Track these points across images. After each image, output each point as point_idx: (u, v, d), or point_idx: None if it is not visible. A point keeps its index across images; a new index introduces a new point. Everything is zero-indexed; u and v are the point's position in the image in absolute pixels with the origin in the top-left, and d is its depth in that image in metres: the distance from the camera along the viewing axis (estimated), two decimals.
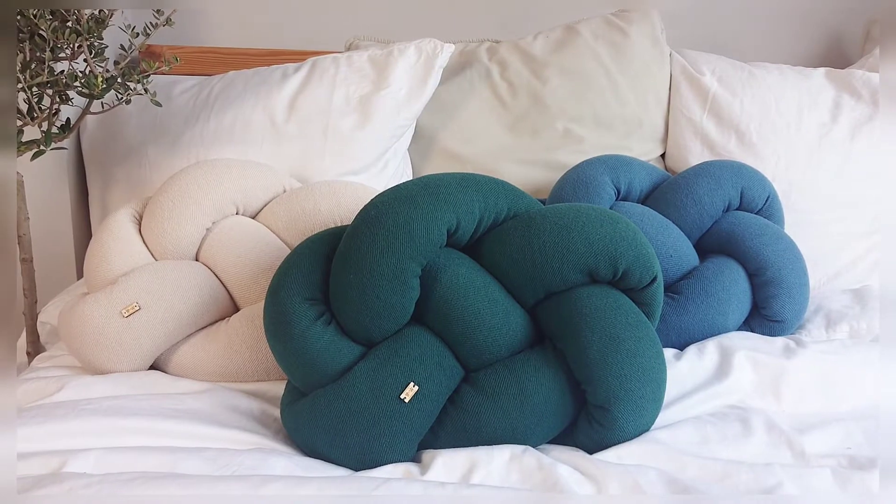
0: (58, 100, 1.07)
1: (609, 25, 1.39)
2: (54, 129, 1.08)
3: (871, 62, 1.44)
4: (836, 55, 1.68)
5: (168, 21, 1.06)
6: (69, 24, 1.00)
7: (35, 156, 1.05)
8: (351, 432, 0.80)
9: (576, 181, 1.16)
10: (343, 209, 1.07)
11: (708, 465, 0.80)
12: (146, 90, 1.06)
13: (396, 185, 0.88)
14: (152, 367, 0.99)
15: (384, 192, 0.88)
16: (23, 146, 1.04)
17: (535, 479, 0.77)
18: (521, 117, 1.35)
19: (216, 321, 1.01)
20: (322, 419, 0.82)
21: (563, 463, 0.78)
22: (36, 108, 1.01)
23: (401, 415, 0.80)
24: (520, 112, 1.35)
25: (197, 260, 1.04)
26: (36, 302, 1.16)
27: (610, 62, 1.35)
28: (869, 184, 1.28)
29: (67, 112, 1.13)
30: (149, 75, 1.08)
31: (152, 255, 1.03)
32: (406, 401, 0.80)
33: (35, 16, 0.96)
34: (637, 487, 0.74)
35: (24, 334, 1.19)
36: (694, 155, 1.33)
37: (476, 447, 0.81)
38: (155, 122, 1.25)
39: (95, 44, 1.04)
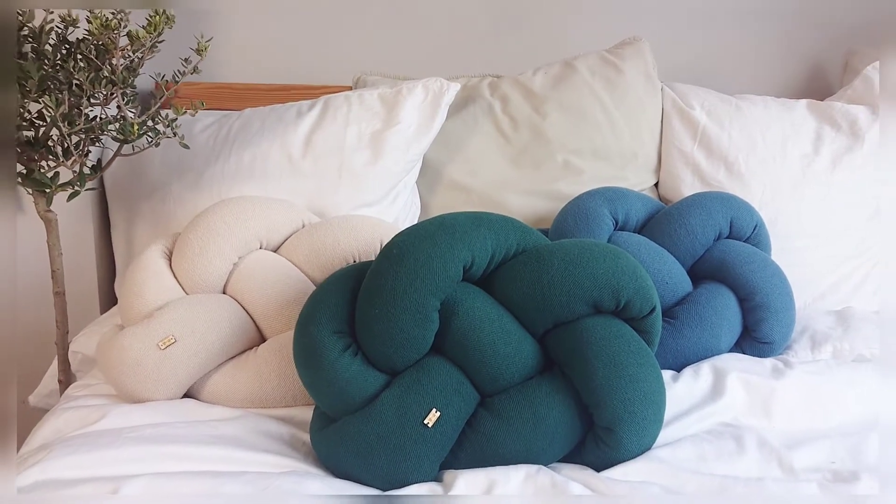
0: (89, 142, 1.14)
1: (604, 62, 1.47)
2: (85, 170, 1.15)
3: (850, 94, 1.52)
4: (819, 84, 1.77)
5: (195, 69, 1.13)
6: (103, 73, 1.07)
7: (71, 196, 1.12)
8: (378, 455, 0.87)
9: (577, 213, 1.24)
10: (361, 242, 1.14)
11: (705, 481, 0.87)
12: (175, 133, 1.13)
13: (415, 225, 0.96)
14: (186, 395, 1.05)
15: (404, 231, 0.95)
16: (58, 188, 1.11)
17: (549, 495, 0.84)
18: (523, 150, 1.42)
19: (244, 351, 1.07)
20: (351, 443, 0.88)
21: (575, 481, 0.86)
22: (74, 151, 1.07)
23: (425, 439, 0.87)
24: (521, 145, 1.43)
25: (224, 293, 1.11)
26: (67, 332, 1.22)
27: (606, 97, 1.43)
28: (848, 211, 1.37)
29: (95, 151, 1.20)
30: (176, 120, 1.15)
31: (183, 288, 1.10)
32: (429, 426, 0.87)
33: (74, 68, 1.03)
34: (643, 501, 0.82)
35: (55, 363, 1.25)
36: (685, 184, 1.41)
37: (494, 467, 0.88)
38: (178, 161, 1.32)
39: (128, 91, 1.11)
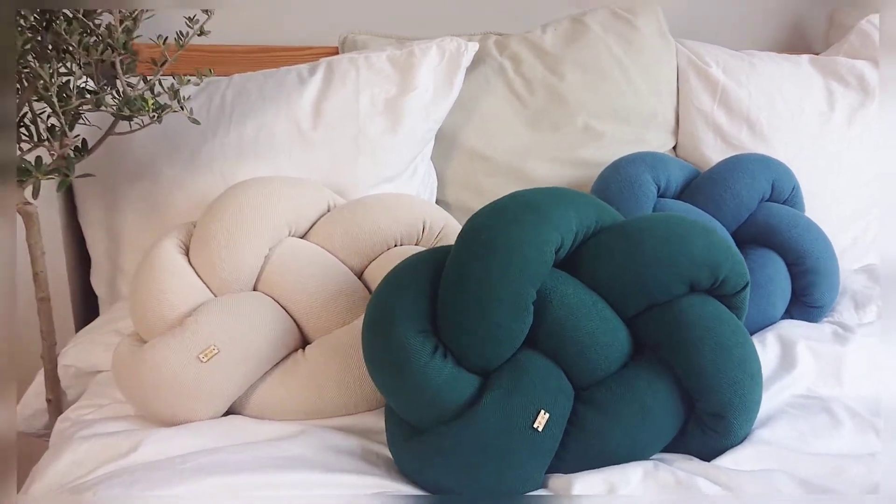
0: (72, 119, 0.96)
1: (616, 17, 1.39)
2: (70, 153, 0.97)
3: (847, 48, 1.52)
4: (799, 39, 1.76)
5: (202, 31, 0.96)
6: (96, 35, 0.89)
7: (61, 186, 0.94)
8: (484, 466, 0.78)
9: (620, 181, 1.17)
10: (402, 224, 1.02)
11: (818, 461, 0.84)
12: (183, 107, 0.97)
13: (493, 206, 0.86)
14: (227, 412, 0.92)
15: (483, 213, 0.85)
16: (44, 176, 0.93)
17: (675, 492, 0.78)
18: (540, 113, 1.33)
19: (288, 355, 0.94)
20: (451, 455, 0.79)
21: (696, 475, 0.80)
22: (67, 132, 0.90)
23: (534, 443, 0.79)
24: (538, 108, 1.34)
25: (255, 289, 0.97)
26: (55, 344, 1.05)
27: (622, 54, 1.36)
28: (864, 167, 1.37)
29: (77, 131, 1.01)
30: (179, 90, 0.98)
31: (208, 287, 0.95)
32: (539, 429, 0.79)
33: (66, 31, 0.85)
34: (775, 492, 0.77)
35: (39, 379, 1.08)
36: (707, 146, 1.36)
37: (607, 468, 0.81)
38: (166, 137, 1.14)
39: (126, 58, 0.93)
